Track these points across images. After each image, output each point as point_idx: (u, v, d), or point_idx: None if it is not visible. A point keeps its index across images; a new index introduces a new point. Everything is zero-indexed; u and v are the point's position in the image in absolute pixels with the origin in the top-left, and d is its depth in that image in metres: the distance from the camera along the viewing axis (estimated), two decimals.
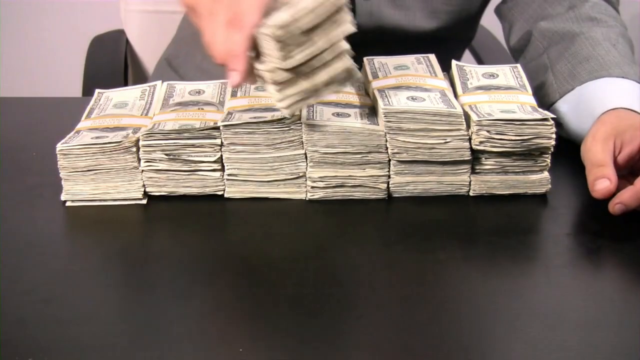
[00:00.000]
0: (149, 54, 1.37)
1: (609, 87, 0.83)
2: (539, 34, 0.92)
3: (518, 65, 0.84)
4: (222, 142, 0.74)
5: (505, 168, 0.75)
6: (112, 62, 1.41)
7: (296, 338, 0.57)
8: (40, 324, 0.58)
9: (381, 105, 0.73)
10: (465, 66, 0.84)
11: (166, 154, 0.74)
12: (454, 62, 0.84)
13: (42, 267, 0.66)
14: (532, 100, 0.78)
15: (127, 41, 1.45)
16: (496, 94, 0.78)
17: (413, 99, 0.75)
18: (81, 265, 0.67)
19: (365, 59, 0.83)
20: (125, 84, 1.37)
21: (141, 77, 1.40)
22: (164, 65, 1.23)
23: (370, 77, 0.80)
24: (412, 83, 0.79)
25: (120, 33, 1.47)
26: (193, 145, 0.74)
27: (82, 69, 1.34)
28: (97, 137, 0.74)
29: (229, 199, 0.76)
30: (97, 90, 0.86)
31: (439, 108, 0.73)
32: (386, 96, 0.75)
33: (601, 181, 0.73)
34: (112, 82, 1.34)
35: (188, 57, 1.15)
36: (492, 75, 0.82)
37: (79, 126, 0.78)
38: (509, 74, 0.82)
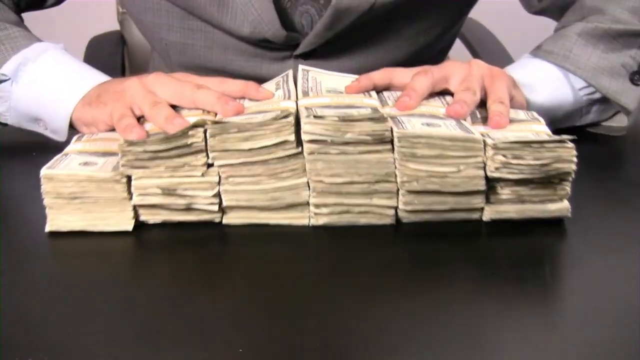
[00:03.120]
0: (146, 55, 1.35)
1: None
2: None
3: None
4: (219, 177, 0.69)
5: (523, 197, 0.70)
6: (109, 63, 1.41)
7: None
8: (40, 324, 0.58)
9: (395, 129, 0.68)
10: None
11: (160, 189, 0.69)
12: None
13: (42, 267, 0.66)
14: (546, 129, 0.73)
15: (125, 42, 1.45)
16: (508, 125, 0.74)
17: (428, 125, 0.70)
18: (80, 266, 0.66)
19: (373, 91, 0.79)
20: None
21: None
22: (156, 63, 1.20)
23: (379, 104, 0.75)
24: (425, 112, 0.74)
25: (118, 34, 1.46)
26: (190, 183, 0.69)
27: None
28: (85, 163, 0.69)
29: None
30: None
31: (457, 133, 0.68)
32: (399, 122, 0.70)
33: None
34: None
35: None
36: None
37: (68, 149, 0.73)
38: (519, 111, 0.79)
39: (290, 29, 0.96)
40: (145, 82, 0.77)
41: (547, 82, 0.89)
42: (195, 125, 0.68)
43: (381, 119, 0.68)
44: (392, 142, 0.68)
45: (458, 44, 1.24)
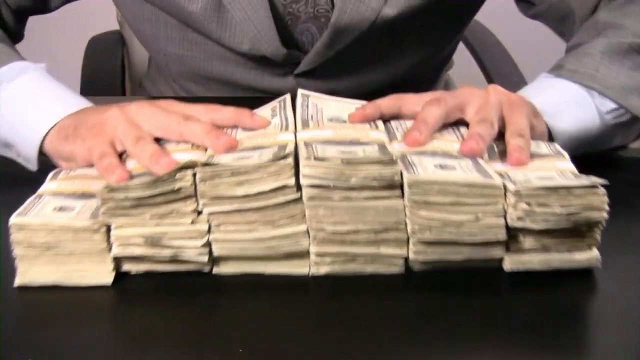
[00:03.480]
0: (146, 55, 1.32)
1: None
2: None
3: None
4: (209, 225, 0.62)
5: (547, 247, 0.63)
6: (109, 63, 1.39)
7: None
8: (40, 324, 0.58)
9: (405, 174, 0.61)
10: None
11: (144, 239, 0.62)
12: None
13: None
14: (571, 167, 0.66)
15: (125, 42, 1.42)
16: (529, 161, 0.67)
17: (442, 167, 0.63)
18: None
19: (380, 121, 0.72)
20: (123, 85, 1.34)
21: (138, 78, 1.37)
22: (155, 69, 1.17)
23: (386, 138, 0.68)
24: (438, 149, 0.67)
25: (118, 34, 1.45)
26: (176, 232, 0.62)
27: (80, 69, 1.34)
28: (60, 208, 0.62)
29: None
30: None
31: (474, 178, 0.61)
32: (410, 163, 0.63)
33: None
34: (110, 83, 1.32)
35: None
36: None
37: (43, 189, 0.66)
38: (541, 143, 0.71)
39: (291, 47, 0.92)
40: (128, 113, 0.70)
41: (572, 106, 0.82)
42: (183, 167, 0.61)
43: (390, 162, 0.61)
44: (401, 186, 0.61)
45: (459, 45, 1.21)
